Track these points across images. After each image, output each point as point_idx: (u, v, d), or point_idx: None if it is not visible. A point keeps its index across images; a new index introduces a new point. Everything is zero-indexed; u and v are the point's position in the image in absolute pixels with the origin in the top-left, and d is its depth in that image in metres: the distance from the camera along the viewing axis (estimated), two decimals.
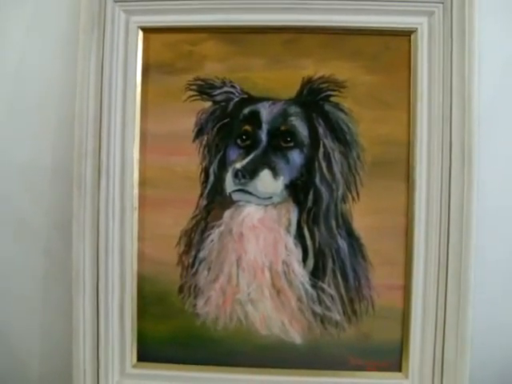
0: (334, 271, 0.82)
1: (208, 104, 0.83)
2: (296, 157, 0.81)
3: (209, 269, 0.83)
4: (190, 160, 0.82)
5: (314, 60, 0.81)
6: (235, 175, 0.80)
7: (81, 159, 0.81)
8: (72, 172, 0.82)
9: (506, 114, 0.85)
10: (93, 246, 0.82)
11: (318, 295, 0.82)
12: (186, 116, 0.82)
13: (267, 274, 0.82)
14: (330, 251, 0.82)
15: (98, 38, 0.82)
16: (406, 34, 0.81)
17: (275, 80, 0.81)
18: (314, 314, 0.82)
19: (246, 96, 0.82)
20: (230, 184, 0.81)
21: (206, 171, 0.83)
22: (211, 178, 0.82)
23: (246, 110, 0.82)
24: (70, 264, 0.82)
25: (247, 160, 0.80)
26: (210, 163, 0.82)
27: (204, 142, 0.83)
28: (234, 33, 0.82)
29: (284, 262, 0.82)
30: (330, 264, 0.82)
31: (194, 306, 0.83)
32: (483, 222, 0.81)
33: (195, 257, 0.83)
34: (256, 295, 0.82)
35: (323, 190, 0.81)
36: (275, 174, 0.80)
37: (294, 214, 0.82)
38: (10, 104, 0.90)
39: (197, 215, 0.83)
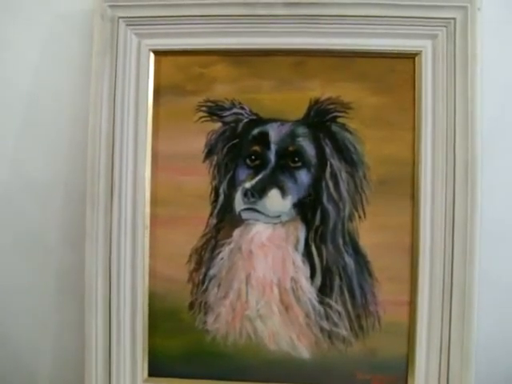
0: (341, 288, 0.83)
1: (218, 125, 0.84)
2: (304, 176, 0.83)
3: (219, 286, 0.84)
4: (200, 180, 0.84)
5: (321, 82, 0.83)
6: (244, 194, 0.81)
7: (94, 178, 0.83)
8: (85, 190, 0.83)
9: (508, 133, 0.87)
10: (105, 263, 0.83)
11: (326, 311, 0.83)
12: (197, 137, 0.84)
13: (276, 290, 0.83)
14: (337, 268, 0.83)
15: (110, 60, 0.84)
16: (411, 57, 0.82)
17: (283, 101, 0.83)
18: (322, 329, 0.83)
19: (254, 117, 0.84)
20: (239, 203, 0.83)
21: (215, 190, 0.84)
22: (221, 197, 0.84)
23: (255, 131, 0.84)
24: (82, 281, 0.84)
25: (256, 180, 0.82)
26: (220, 183, 0.84)
27: (214, 162, 0.84)
28: (243, 55, 0.84)
29: (292, 279, 0.83)
30: (337, 281, 0.83)
31: (204, 322, 0.84)
32: (486, 239, 0.82)
33: (205, 274, 0.84)
34: (265, 311, 0.83)
35: (330, 208, 0.83)
36: (283, 193, 0.82)
37: (302, 232, 0.83)
38: (24, 124, 0.92)
39: (207, 233, 0.84)
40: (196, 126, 0.84)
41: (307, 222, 0.83)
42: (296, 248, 0.83)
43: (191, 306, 0.85)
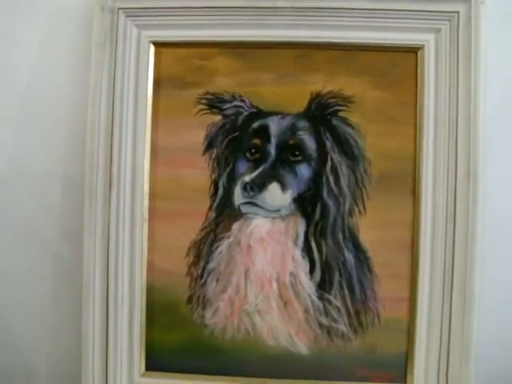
0: (340, 283, 0.83)
1: (218, 118, 0.84)
2: (304, 170, 0.82)
3: (217, 280, 0.84)
4: (199, 173, 0.84)
5: (322, 75, 0.83)
6: (244, 188, 0.81)
7: (92, 171, 0.83)
8: (83, 183, 0.83)
9: (510, 129, 0.87)
10: (103, 256, 0.83)
11: (325, 307, 0.83)
12: (196, 129, 0.84)
13: (275, 285, 0.83)
14: (337, 263, 0.83)
15: (110, 51, 0.83)
16: (413, 51, 0.82)
17: (284, 95, 0.83)
18: (321, 325, 0.83)
19: (255, 110, 0.83)
20: (238, 196, 0.82)
21: (215, 184, 0.84)
22: (220, 190, 0.83)
23: (256, 124, 0.83)
24: (80, 274, 0.83)
25: (256, 173, 0.81)
26: (220, 176, 0.84)
27: (213, 155, 0.84)
28: (244, 48, 0.83)
29: (291, 274, 0.83)
30: (336, 276, 0.83)
31: (203, 316, 0.84)
32: (488, 236, 0.81)
33: (204, 268, 0.84)
34: (263, 306, 0.83)
35: (330, 203, 0.82)
36: (283, 187, 0.82)
37: (302, 226, 0.83)
38: (23, 115, 0.91)
39: (206, 227, 0.84)
40: (196, 119, 0.84)
41: (307, 217, 0.83)
42: (295, 243, 0.83)
43: (189, 300, 0.84)
